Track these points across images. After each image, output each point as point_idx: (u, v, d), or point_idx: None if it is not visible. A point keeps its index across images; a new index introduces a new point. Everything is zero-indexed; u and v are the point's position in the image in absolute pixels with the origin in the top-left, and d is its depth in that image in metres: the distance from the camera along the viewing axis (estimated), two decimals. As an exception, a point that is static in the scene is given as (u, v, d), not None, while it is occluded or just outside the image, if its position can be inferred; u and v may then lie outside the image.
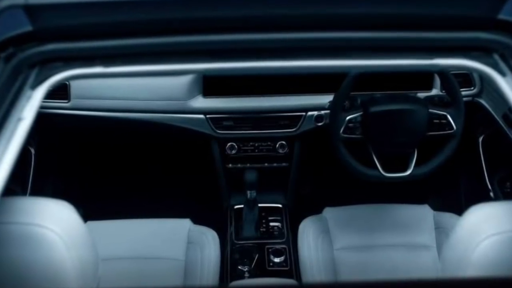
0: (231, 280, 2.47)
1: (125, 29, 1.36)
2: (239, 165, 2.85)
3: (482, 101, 2.66)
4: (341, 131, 2.30)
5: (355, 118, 2.30)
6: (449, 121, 2.30)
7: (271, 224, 2.79)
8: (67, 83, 2.59)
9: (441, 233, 2.41)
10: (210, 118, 2.66)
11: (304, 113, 2.66)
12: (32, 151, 2.75)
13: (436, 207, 2.56)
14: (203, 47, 1.38)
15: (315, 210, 2.58)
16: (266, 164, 2.86)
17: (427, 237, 2.41)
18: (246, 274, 2.49)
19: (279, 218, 2.84)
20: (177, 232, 2.44)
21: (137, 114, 2.64)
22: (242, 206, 2.80)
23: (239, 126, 2.69)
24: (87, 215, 2.04)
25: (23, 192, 2.68)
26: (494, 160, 2.76)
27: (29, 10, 1.32)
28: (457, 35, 1.40)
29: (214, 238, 2.44)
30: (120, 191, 3.30)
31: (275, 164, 2.87)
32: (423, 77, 2.65)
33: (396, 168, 2.33)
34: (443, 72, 2.26)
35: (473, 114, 2.66)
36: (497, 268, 1.34)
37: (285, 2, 1.35)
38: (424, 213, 2.51)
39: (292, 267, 2.54)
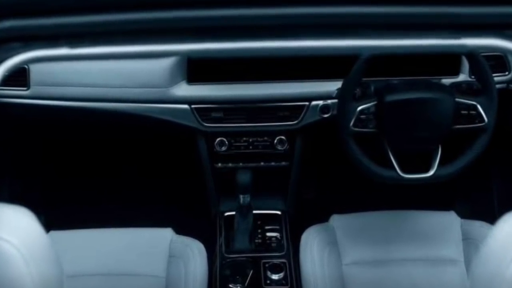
0: (221, 301, 2.48)
1: (95, 3, 1.36)
2: (230, 165, 2.85)
3: (519, 89, 2.67)
4: (351, 124, 2.30)
5: (367, 108, 2.30)
6: (479, 112, 2.29)
7: (268, 234, 2.80)
8: (26, 67, 2.58)
9: (470, 245, 2.42)
10: (195, 108, 2.66)
11: (307, 103, 2.66)
12: (-16, 147, 2.76)
13: (464, 214, 2.57)
14: (187, 24, 1.38)
15: (320, 217, 2.59)
16: (262, 163, 2.86)
17: (454, 249, 2.42)
18: (239, 294, 2.51)
19: (277, 227, 2.84)
20: (156, 244, 2.45)
21: (109, 104, 2.63)
22: (233, 213, 2.80)
23: (230, 118, 2.69)
24: (49, 223, 2.04)
25: (-27, 197, 2.69)
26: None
27: (-21, -20, 1.32)
28: (488, 9, 1.40)
29: (200, 251, 2.44)
30: (89, 195, 3.30)
31: (273, 163, 2.87)
32: (449, 60, 2.65)
33: (417, 168, 2.33)
34: (472, 54, 2.26)
35: (508, 103, 2.66)
36: (536, 287, 1.35)
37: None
38: (449, 221, 2.51)
39: (293, 286, 2.54)
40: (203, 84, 2.63)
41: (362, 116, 2.29)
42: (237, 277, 2.54)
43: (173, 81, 2.62)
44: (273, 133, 2.76)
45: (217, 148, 2.77)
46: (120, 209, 3.10)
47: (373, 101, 2.29)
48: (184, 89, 2.63)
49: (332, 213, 2.58)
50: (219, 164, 2.86)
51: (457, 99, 2.27)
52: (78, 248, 2.40)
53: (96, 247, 2.44)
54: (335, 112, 2.54)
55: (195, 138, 2.78)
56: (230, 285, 2.52)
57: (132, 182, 3.37)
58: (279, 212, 2.93)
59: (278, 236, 2.79)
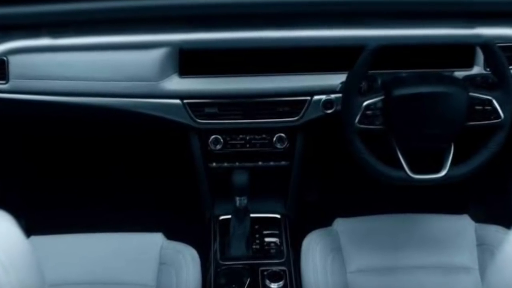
0: (215, 312, 2.48)
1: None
2: (225, 164, 2.85)
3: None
4: (357, 120, 2.30)
5: (374, 103, 2.30)
6: (495, 108, 2.30)
7: (267, 239, 2.80)
8: (5, 58, 2.58)
9: (485, 251, 2.42)
10: (188, 103, 2.65)
11: (309, 98, 2.66)
12: (-40, 146, 2.75)
13: (478, 218, 2.57)
14: (179, 12, 1.38)
15: (323, 221, 2.59)
16: (260, 163, 2.86)
17: (467, 256, 2.42)
18: (235, 304, 2.51)
19: (276, 232, 2.84)
20: (146, 250, 2.45)
21: (94, 99, 2.63)
22: (229, 216, 2.81)
23: (226, 114, 2.69)
24: (30, 227, 2.05)
25: None
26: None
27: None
28: (505, -3, 1.40)
29: (193, 257, 2.44)
30: (73, 198, 3.30)
31: (271, 163, 2.87)
32: (462, 52, 2.65)
33: (427, 168, 2.33)
34: (488, 45, 2.26)
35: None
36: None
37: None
38: (463, 225, 2.52)
39: (294, 295, 2.55)
40: (196, 77, 2.63)
41: (368, 112, 2.29)
42: (233, 286, 2.54)
43: (163, 74, 2.61)
44: (272, 130, 2.75)
45: (212, 147, 2.77)
46: (107, 212, 3.10)
47: (380, 96, 2.29)
48: (176, 83, 2.63)
49: (336, 216, 2.59)
50: (214, 164, 2.86)
51: (471, 94, 2.27)
52: (61, 254, 2.40)
53: (80, 253, 2.44)
54: (339, 107, 2.54)
55: (188, 136, 2.77)
56: (226, 294, 2.53)
57: (120, 183, 3.37)
58: (278, 216, 2.93)
59: (278, 242, 2.79)
